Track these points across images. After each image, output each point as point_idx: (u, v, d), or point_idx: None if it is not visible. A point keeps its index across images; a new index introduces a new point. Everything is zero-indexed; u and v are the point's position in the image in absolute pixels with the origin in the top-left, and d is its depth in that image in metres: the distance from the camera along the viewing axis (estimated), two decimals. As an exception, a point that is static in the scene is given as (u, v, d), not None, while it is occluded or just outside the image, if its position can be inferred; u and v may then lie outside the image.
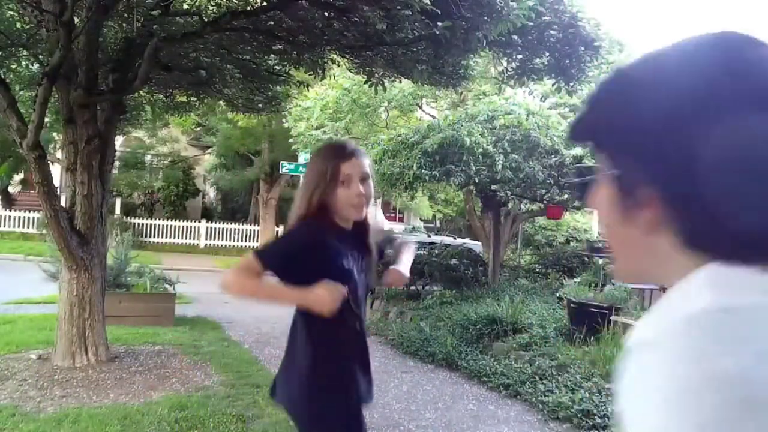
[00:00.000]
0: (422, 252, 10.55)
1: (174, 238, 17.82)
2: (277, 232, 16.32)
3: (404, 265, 2.05)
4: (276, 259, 1.75)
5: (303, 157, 12.21)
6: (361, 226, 1.88)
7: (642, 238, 0.57)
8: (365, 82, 5.88)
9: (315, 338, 1.81)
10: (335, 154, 1.83)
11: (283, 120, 12.84)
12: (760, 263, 0.51)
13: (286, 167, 12.75)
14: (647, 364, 0.48)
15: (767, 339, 0.46)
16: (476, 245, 12.16)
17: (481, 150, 7.39)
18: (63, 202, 5.01)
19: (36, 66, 5.89)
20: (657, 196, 0.54)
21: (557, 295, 7.71)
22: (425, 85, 7.81)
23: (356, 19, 4.24)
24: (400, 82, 7.41)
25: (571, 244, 15.38)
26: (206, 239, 18.16)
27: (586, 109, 0.62)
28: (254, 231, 18.50)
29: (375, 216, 1.97)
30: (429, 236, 13.24)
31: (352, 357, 1.86)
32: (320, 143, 11.08)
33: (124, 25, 5.22)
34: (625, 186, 0.57)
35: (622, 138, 0.57)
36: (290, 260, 1.74)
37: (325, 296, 1.63)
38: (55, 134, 12.69)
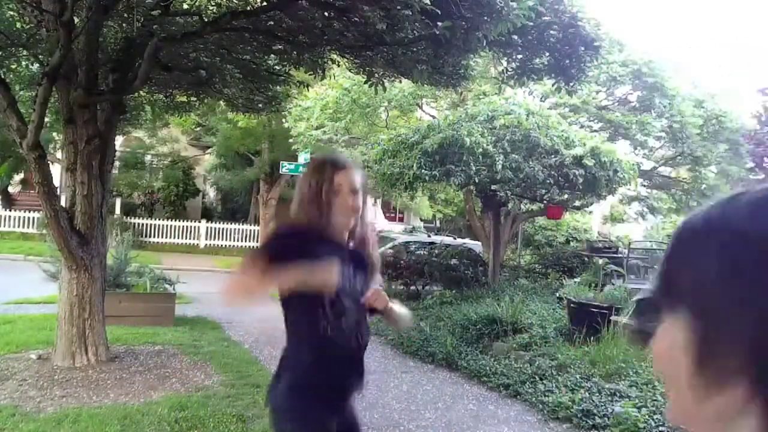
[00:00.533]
0: (422, 252, 10.57)
1: (174, 238, 17.81)
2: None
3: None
4: (279, 250, 1.79)
5: (303, 157, 12.20)
6: (358, 242, 1.92)
7: (715, 414, 0.46)
8: (365, 82, 5.88)
9: (291, 353, 1.85)
10: (329, 164, 1.90)
11: (283, 120, 12.83)
12: None
13: (286, 167, 12.74)
14: None
15: None
16: (476, 245, 12.16)
17: (481, 150, 7.39)
18: (63, 202, 5.01)
19: (36, 66, 5.89)
20: (750, 376, 0.43)
21: (557, 295, 7.71)
22: (425, 85, 7.82)
23: (356, 19, 4.25)
24: (400, 82, 7.41)
25: (571, 244, 15.41)
26: (206, 239, 18.15)
27: (671, 256, 0.51)
28: (254, 231, 18.49)
29: (374, 232, 1.99)
30: (429, 236, 13.24)
31: (331, 370, 1.83)
32: (319, 143, 11.10)
33: (124, 25, 5.22)
34: (708, 350, 0.46)
35: (714, 294, 0.46)
36: (287, 251, 1.76)
37: (325, 271, 1.68)
38: (55, 134, 12.68)
